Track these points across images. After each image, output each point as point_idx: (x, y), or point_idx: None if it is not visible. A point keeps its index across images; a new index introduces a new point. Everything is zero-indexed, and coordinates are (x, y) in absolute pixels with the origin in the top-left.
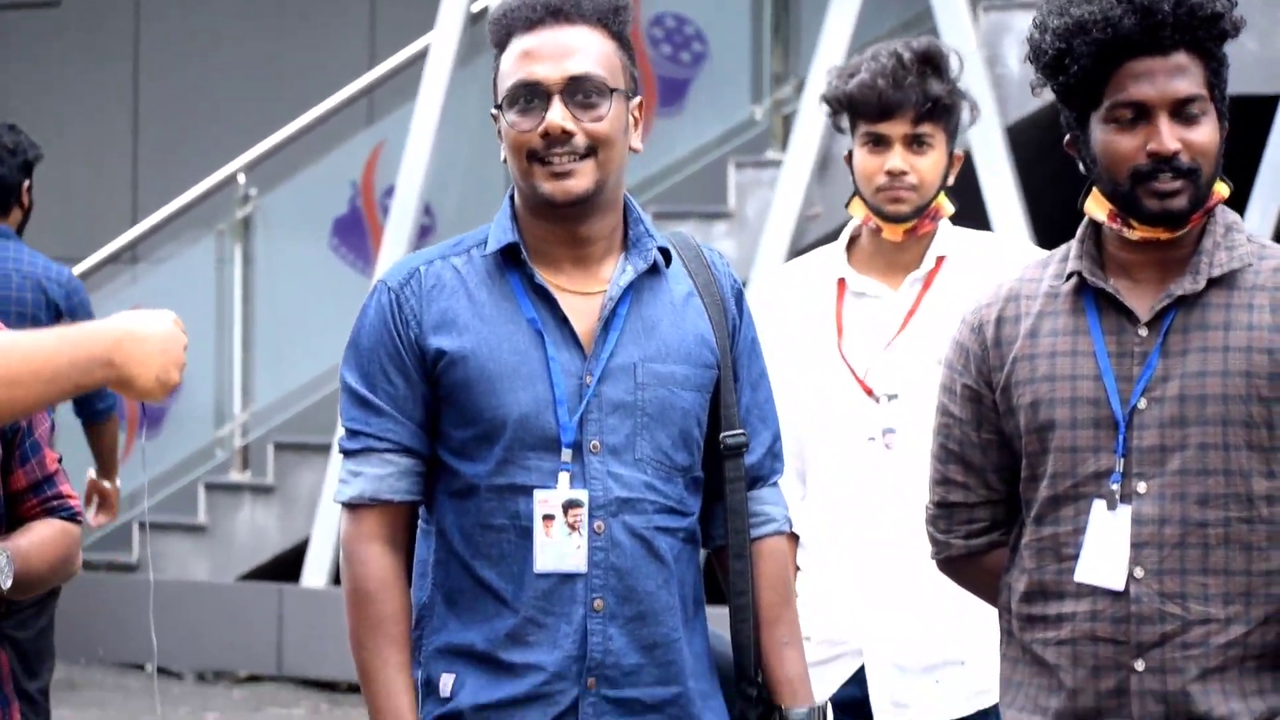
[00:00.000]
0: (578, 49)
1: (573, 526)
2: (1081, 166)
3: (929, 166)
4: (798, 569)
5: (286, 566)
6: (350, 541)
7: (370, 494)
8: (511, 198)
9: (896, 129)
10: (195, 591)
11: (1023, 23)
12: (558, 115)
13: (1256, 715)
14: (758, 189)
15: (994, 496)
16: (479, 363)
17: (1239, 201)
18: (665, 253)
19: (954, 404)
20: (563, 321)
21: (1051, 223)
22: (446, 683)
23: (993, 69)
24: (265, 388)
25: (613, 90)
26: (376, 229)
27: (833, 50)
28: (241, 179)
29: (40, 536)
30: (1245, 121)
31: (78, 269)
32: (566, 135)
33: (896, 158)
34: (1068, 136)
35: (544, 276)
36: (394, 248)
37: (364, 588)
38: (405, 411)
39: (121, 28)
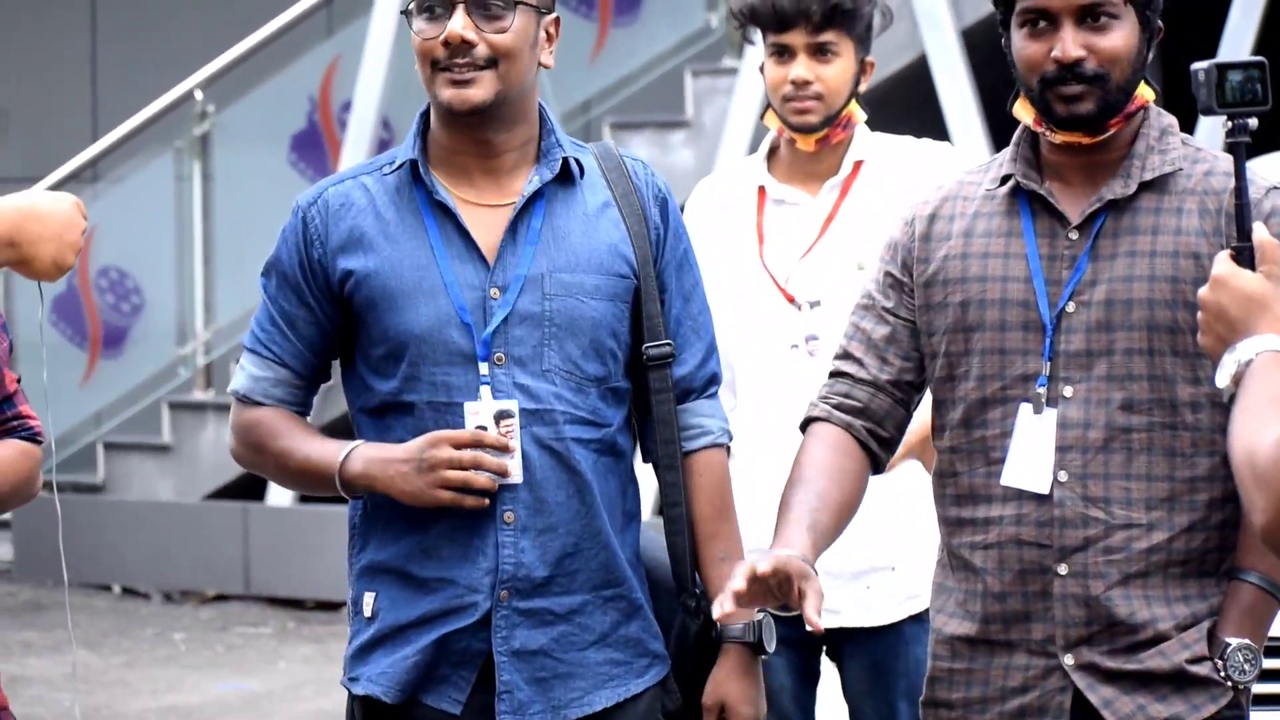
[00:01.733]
0: None
1: (505, 436)
2: (1011, 70)
3: (834, 74)
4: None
5: (252, 485)
6: (233, 424)
7: (244, 390)
8: (425, 112)
9: (798, 39)
10: (160, 511)
11: None
12: (459, 24)
13: (1178, 620)
14: (714, 97)
15: (882, 378)
16: (382, 281)
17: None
18: (576, 162)
19: (876, 290)
20: (464, 234)
21: (1008, 126)
22: (368, 601)
23: None
24: (227, 305)
25: (518, 3)
26: (335, 144)
27: None
28: (199, 95)
29: (2, 456)
30: (1197, 18)
31: (38, 186)
32: (467, 45)
33: (800, 67)
34: (1002, 39)
35: (453, 190)
36: (353, 161)
37: (252, 436)
38: (296, 331)
39: None
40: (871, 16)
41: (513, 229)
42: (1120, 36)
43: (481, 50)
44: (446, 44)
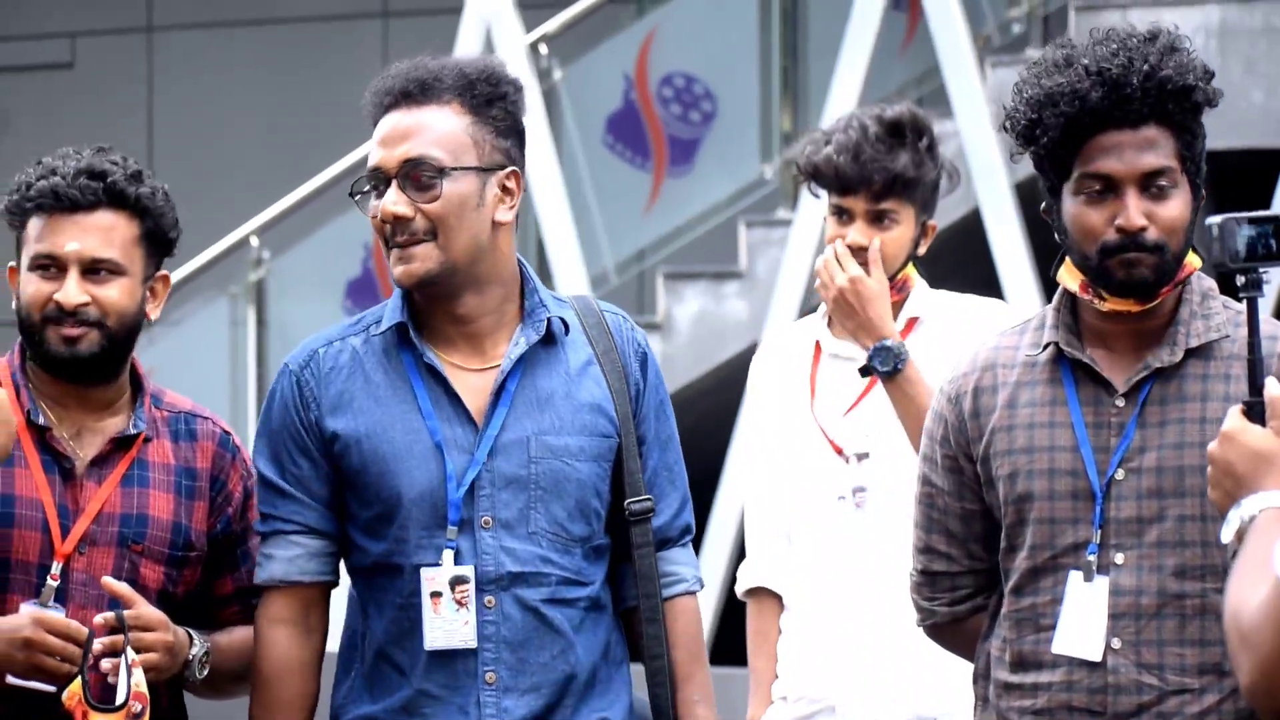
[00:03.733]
0: (418, 131)
1: (460, 603)
2: (1056, 235)
3: (891, 241)
4: (780, 631)
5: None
6: (258, 623)
7: (280, 576)
8: None
9: (858, 204)
10: None
11: None
12: (390, 200)
13: None
14: (768, 248)
15: (977, 565)
16: (372, 445)
17: None
18: (561, 321)
19: (935, 474)
20: (454, 398)
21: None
22: None
23: (1000, 124)
24: None
25: (450, 169)
26: (389, 291)
27: (841, 107)
28: (255, 241)
29: (240, 639)
30: (1253, 175)
31: None
32: (401, 219)
33: (857, 232)
34: (1044, 204)
35: (439, 353)
36: None
37: (264, 671)
38: (311, 493)
39: (134, 90)
40: (936, 181)
41: (498, 392)
42: (1178, 205)
43: (420, 222)
44: (384, 220)
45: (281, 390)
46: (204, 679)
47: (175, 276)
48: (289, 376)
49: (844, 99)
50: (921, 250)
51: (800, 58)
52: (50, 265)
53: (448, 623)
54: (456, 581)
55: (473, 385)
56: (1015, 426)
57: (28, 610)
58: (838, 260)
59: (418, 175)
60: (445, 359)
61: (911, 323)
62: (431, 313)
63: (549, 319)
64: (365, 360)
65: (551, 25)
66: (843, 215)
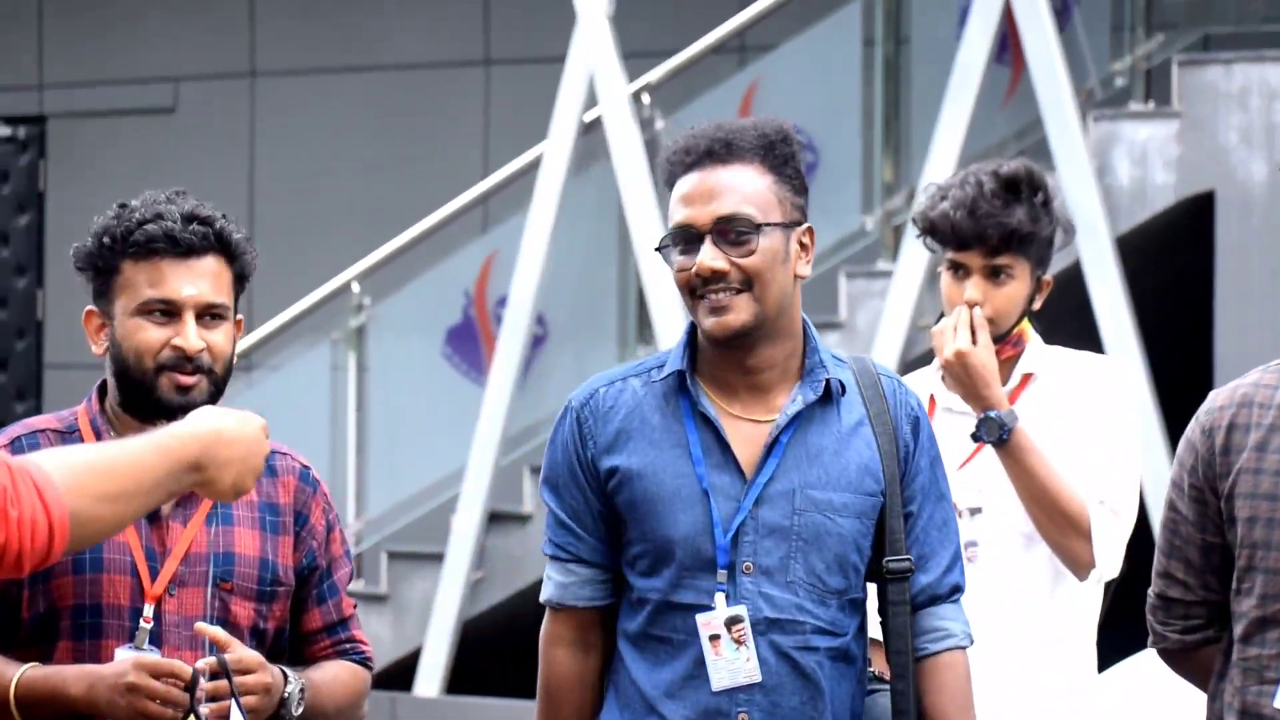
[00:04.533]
0: (727, 189)
1: (739, 641)
2: None
3: (1007, 297)
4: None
5: (400, 675)
6: (541, 641)
7: (555, 599)
8: (693, 324)
9: (974, 260)
10: None
11: (1133, 133)
12: (708, 256)
13: None
14: (869, 299)
15: (1211, 597)
16: (644, 485)
17: None
18: (839, 382)
19: (1181, 501)
20: (725, 447)
21: (1160, 333)
22: None
23: (1102, 179)
24: (379, 496)
25: (762, 225)
26: (489, 338)
27: (943, 160)
28: (356, 287)
29: (333, 674)
30: None
31: None
32: (718, 274)
33: (973, 288)
34: None
35: (718, 401)
36: (507, 357)
37: (546, 686)
38: (585, 526)
39: (237, 134)
40: (1051, 237)
41: (771, 444)
42: None
43: (735, 275)
44: (699, 275)
45: (563, 427)
46: (299, 716)
47: (277, 321)
48: (570, 414)
49: (946, 152)
50: (1037, 305)
51: (902, 109)
52: (162, 310)
53: (729, 662)
54: (732, 621)
55: (746, 435)
56: (1263, 471)
57: (126, 655)
58: (954, 329)
59: (732, 231)
60: (722, 408)
61: (1026, 379)
62: (719, 361)
63: (827, 380)
64: (645, 402)
65: (654, 75)
66: (959, 270)
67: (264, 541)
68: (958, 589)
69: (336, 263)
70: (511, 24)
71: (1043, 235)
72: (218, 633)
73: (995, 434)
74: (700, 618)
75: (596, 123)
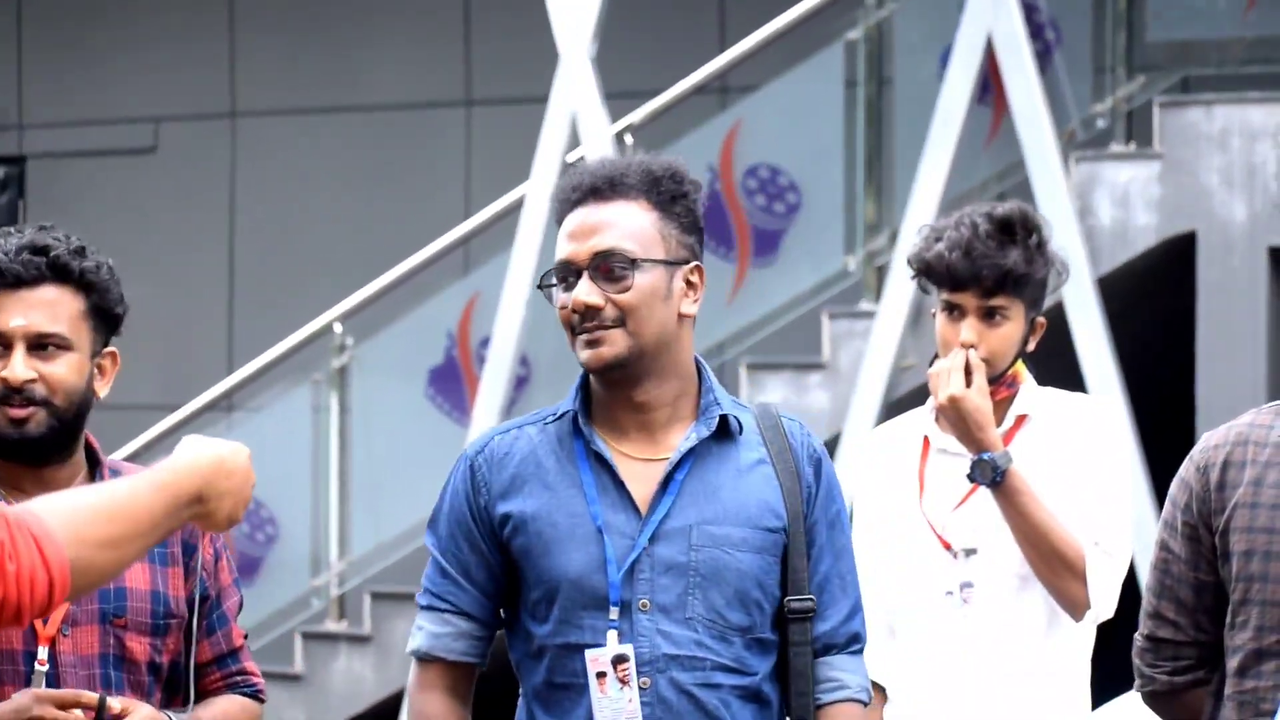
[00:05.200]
0: (608, 225)
1: (623, 681)
2: None
3: (1001, 338)
4: None
5: (384, 716)
6: (411, 690)
7: (427, 649)
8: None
9: (970, 300)
10: None
11: (1114, 174)
12: (583, 291)
13: None
14: (851, 340)
15: (1202, 638)
16: (538, 527)
17: None
18: (729, 420)
19: (1173, 540)
20: (620, 486)
21: (1142, 374)
22: None
23: (1084, 220)
24: (362, 537)
25: (640, 260)
26: (472, 379)
27: (926, 201)
28: (338, 328)
29: (222, 711)
30: None
31: (174, 416)
32: (592, 309)
33: (968, 330)
34: None
35: (611, 442)
36: (490, 398)
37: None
38: (470, 578)
39: (218, 174)
40: (1045, 278)
41: (665, 482)
42: None
43: (609, 311)
44: (575, 311)
45: (456, 476)
46: None
47: (259, 362)
48: (465, 462)
49: (929, 192)
50: (1031, 346)
51: (885, 150)
52: None
53: (614, 701)
54: (618, 660)
55: (640, 474)
56: (1259, 505)
57: (24, 695)
58: (948, 373)
59: (608, 267)
60: (616, 448)
61: (1020, 420)
62: (609, 402)
63: (722, 415)
64: (539, 447)
65: (637, 116)
66: (953, 311)
67: (154, 574)
68: (856, 639)
69: (318, 303)
70: (493, 64)
71: (1037, 276)
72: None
73: (989, 476)
74: (589, 654)
75: (577, 163)
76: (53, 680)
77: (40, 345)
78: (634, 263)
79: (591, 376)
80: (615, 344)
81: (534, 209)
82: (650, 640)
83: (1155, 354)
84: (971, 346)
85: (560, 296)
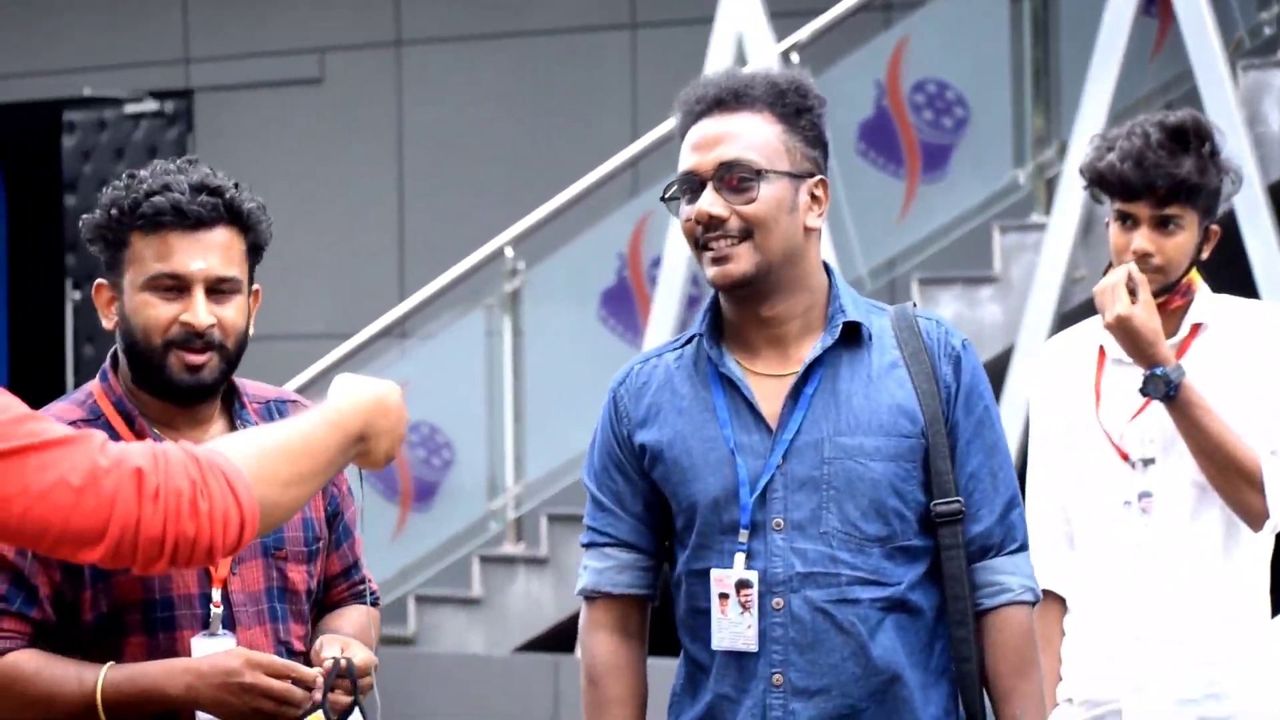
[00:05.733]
0: (733, 136)
1: (744, 606)
2: None
3: (1175, 247)
4: (1063, 633)
5: (562, 638)
6: (581, 630)
7: (591, 586)
8: None
9: (1143, 210)
10: (470, 664)
11: None
12: (706, 201)
13: None
14: (1022, 253)
15: None
16: (673, 455)
17: None
18: (854, 326)
19: None
20: (750, 405)
21: None
22: None
23: (1253, 128)
24: (537, 460)
25: (765, 171)
26: (644, 300)
27: (1094, 112)
28: (509, 252)
29: (362, 626)
30: None
31: (346, 345)
32: (717, 220)
33: (1142, 238)
34: None
35: (742, 360)
36: (662, 318)
37: (590, 673)
38: (625, 507)
39: (384, 103)
40: (1219, 186)
41: (794, 396)
42: None
43: (734, 223)
44: (699, 221)
45: (603, 409)
46: None
47: (430, 289)
48: (610, 394)
49: (1096, 104)
50: (1205, 255)
51: (1051, 63)
52: (173, 286)
53: (733, 625)
54: (741, 585)
55: (772, 391)
56: None
57: (204, 643)
58: (1113, 290)
59: (733, 178)
60: (747, 366)
61: (1195, 329)
62: (739, 319)
63: (847, 322)
64: (674, 374)
65: (803, 34)
66: (1126, 221)
67: None
68: (1012, 537)
69: (488, 229)
70: None
71: (1210, 185)
72: (335, 654)
73: (1161, 390)
74: (714, 573)
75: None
76: (227, 621)
77: (216, 289)
78: (759, 174)
79: (721, 295)
80: (742, 260)
81: None
82: (784, 559)
83: None
84: (1146, 255)
85: (685, 209)
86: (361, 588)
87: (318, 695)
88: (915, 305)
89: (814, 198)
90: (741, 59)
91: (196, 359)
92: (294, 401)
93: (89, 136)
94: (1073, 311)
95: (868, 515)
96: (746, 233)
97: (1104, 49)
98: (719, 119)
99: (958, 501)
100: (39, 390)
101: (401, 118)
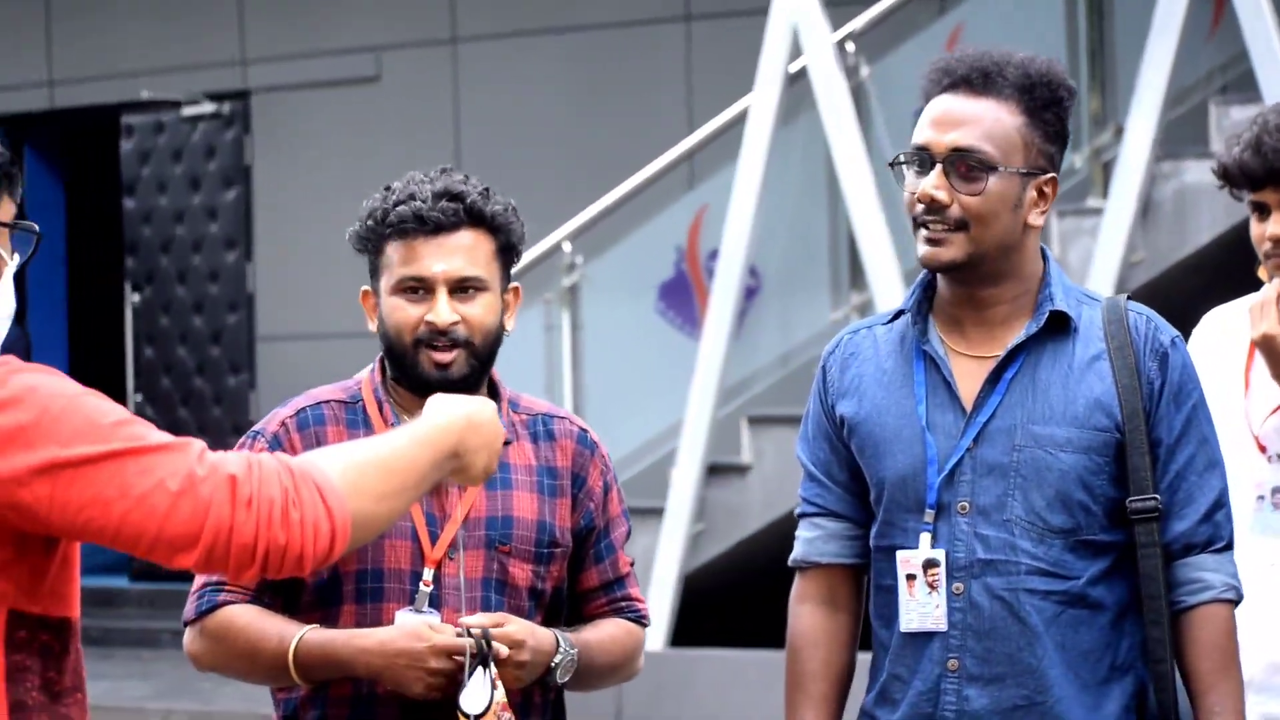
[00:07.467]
0: (974, 121)
1: (931, 586)
2: None
3: None
4: None
5: None
6: (790, 600)
7: (800, 557)
8: None
9: (1271, 196)
10: None
11: None
12: (931, 183)
13: None
14: (1079, 237)
15: None
16: (868, 428)
17: None
18: (1061, 316)
19: None
20: (948, 384)
21: None
22: None
23: None
24: None
25: (998, 167)
26: (702, 292)
27: (1150, 95)
28: (567, 247)
29: (609, 634)
30: None
31: None
32: (938, 204)
33: (1275, 224)
34: None
35: (947, 339)
36: (720, 310)
37: (791, 644)
38: (831, 476)
39: (441, 101)
40: None
41: (993, 380)
42: None
43: (954, 211)
44: (920, 200)
45: (816, 378)
46: (572, 678)
47: None
48: (821, 364)
49: (1153, 86)
50: None
51: (1107, 46)
52: (418, 288)
53: (921, 605)
54: (929, 565)
55: (973, 371)
56: None
57: (407, 617)
58: (1261, 307)
59: (965, 165)
60: (951, 345)
61: None
62: (951, 298)
63: (1054, 311)
64: (881, 346)
65: (858, 23)
66: (1259, 210)
67: (542, 504)
68: (1217, 538)
69: (546, 223)
70: None
71: None
72: (483, 619)
73: None
74: (900, 555)
75: (799, 73)
76: (435, 600)
77: (460, 288)
78: (991, 168)
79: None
80: (954, 247)
81: (759, 120)
82: (967, 544)
83: None
84: None
85: (910, 179)
86: (624, 604)
87: (461, 659)
88: (1128, 298)
89: (1040, 194)
90: (797, 49)
91: (444, 357)
92: (562, 418)
93: (147, 139)
94: (1131, 296)
95: (1053, 507)
96: (964, 223)
97: (1159, 30)
98: (964, 98)
99: (1154, 499)
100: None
101: (458, 114)
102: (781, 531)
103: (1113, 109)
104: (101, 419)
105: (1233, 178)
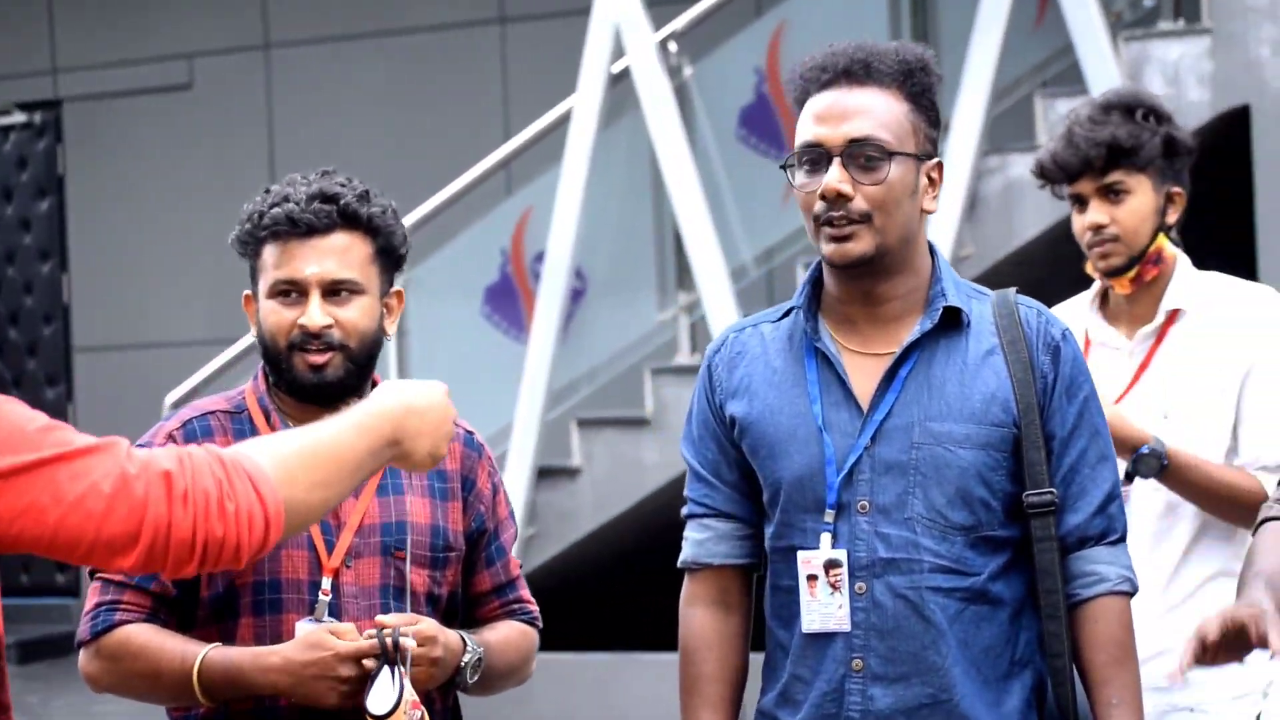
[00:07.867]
0: (863, 111)
1: (834, 586)
2: None
3: (1127, 213)
4: None
5: None
6: (681, 603)
7: (689, 558)
8: (819, 261)
9: (1087, 186)
10: None
11: (1164, 52)
12: (834, 178)
13: None
14: None
15: None
16: (761, 429)
17: None
18: (954, 311)
19: None
20: (843, 383)
21: (1203, 251)
22: None
23: None
24: None
25: (895, 153)
26: (529, 295)
27: (976, 89)
28: None
29: (504, 636)
30: None
31: (228, 351)
32: (843, 198)
33: (1093, 212)
34: None
35: (839, 338)
36: (547, 312)
37: (684, 647)
38: (722, 478)
39: (255, 107)
40: (1166, 148)
41: (888, 378)
42: None
43: (858, 204)
44: (823, 197)
45: (700, 377)
46: (475, 681)
47: None
48: (705, 363)
49: (978, 80)
50: (1171, 219)
51: (932, 39)
52: (291, 291)
53: (823, 606)
54: (830, 565)
55: (867, 369)
56: None
57: (306, 627)
58: None
59: (864, 155)
60: (844, 344)
61: (1173, 316)
62: (842, 295)
63: (947, 307)
64: (770, 345)
65: (680, 22)
66: (1077, 202)
67: (434, 508)
68: (1111, 531)
69: None
70: None
71: (1148, 146)
72: (394, 619)
73: (1155, 467)
74: (801, 555)
75: (622, 74)
76: (335, 609)
77: (334, 291)
78: (890, 155)
79: (825, 270)
80: (862, 241)
81: (582, 121)
82: (868, 543)
83: (1214, 230)
84: (1099, 227)
85: (802, 179)
86: (517, 607)
87: (369, 664)
88: (1016, 291)
89: (930, 180)
90: (618, 50)
91: (317, 359)
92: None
93: None
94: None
95: (954, 503)
96: (868, 215)
97: (984, 24)
98: (847, 91)
99: (1050, 493)
100: None
101: (272, 121)
102: (613, 534)
103: (940, 106)
104: (27, 425)
105: (1049, 173)
